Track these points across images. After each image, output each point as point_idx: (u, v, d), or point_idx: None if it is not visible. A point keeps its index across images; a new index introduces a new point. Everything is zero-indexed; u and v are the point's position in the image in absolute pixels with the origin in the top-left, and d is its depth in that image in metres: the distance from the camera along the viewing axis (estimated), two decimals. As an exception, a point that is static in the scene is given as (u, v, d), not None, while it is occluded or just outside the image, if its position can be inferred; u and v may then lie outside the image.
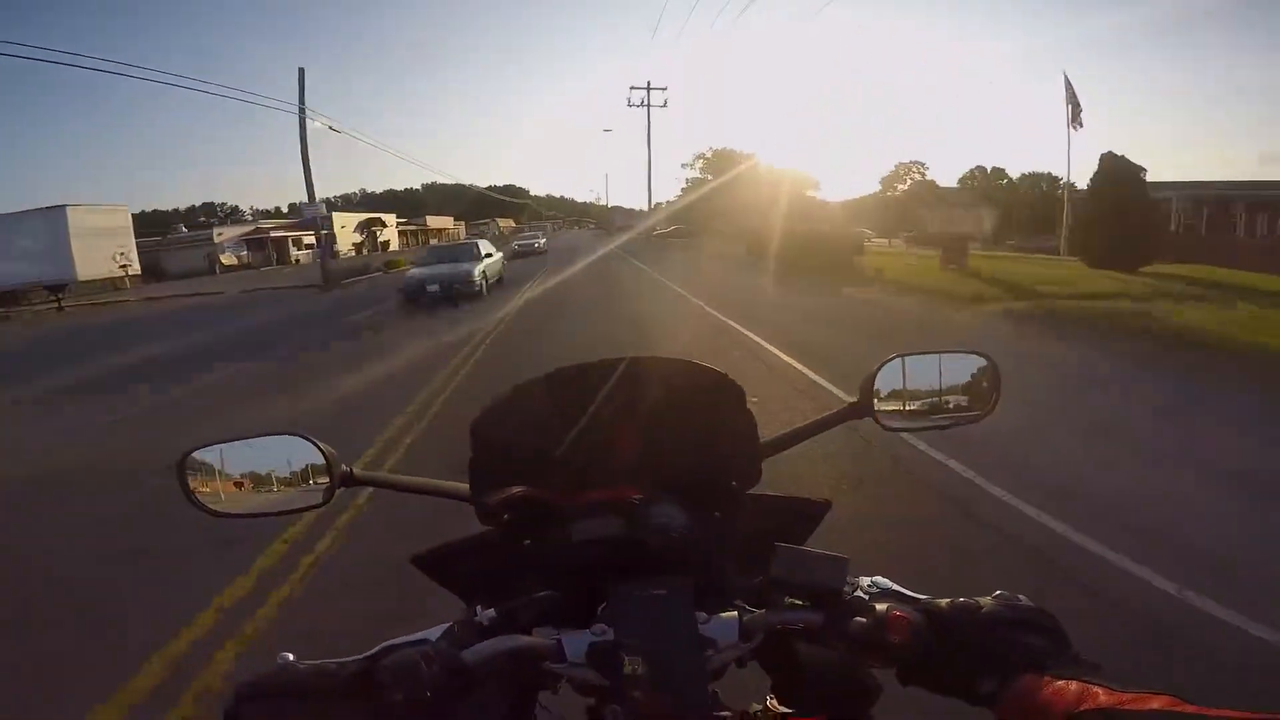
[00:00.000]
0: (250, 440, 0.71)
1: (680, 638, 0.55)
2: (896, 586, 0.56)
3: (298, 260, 46.57)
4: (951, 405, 0.77)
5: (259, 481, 0.71)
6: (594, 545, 0.63)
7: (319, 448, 0.69)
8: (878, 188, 66.46)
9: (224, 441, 0.71)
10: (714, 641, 0.56)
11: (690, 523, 0.63)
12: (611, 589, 0.59)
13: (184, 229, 50.26)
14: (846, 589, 0.54)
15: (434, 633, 0.55)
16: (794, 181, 53.90)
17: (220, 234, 41.99)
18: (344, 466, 0.70)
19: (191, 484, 0.70)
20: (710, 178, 48.78)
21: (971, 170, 73.09)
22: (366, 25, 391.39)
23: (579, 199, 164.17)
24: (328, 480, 0.69)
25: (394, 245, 64.26)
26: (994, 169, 71.94)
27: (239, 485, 0.71)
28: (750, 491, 0.72)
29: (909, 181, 66.43)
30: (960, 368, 0.78)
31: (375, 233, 61.21)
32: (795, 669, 0.59)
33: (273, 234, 44.74)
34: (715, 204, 39.95)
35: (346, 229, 55.95)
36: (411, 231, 72.74)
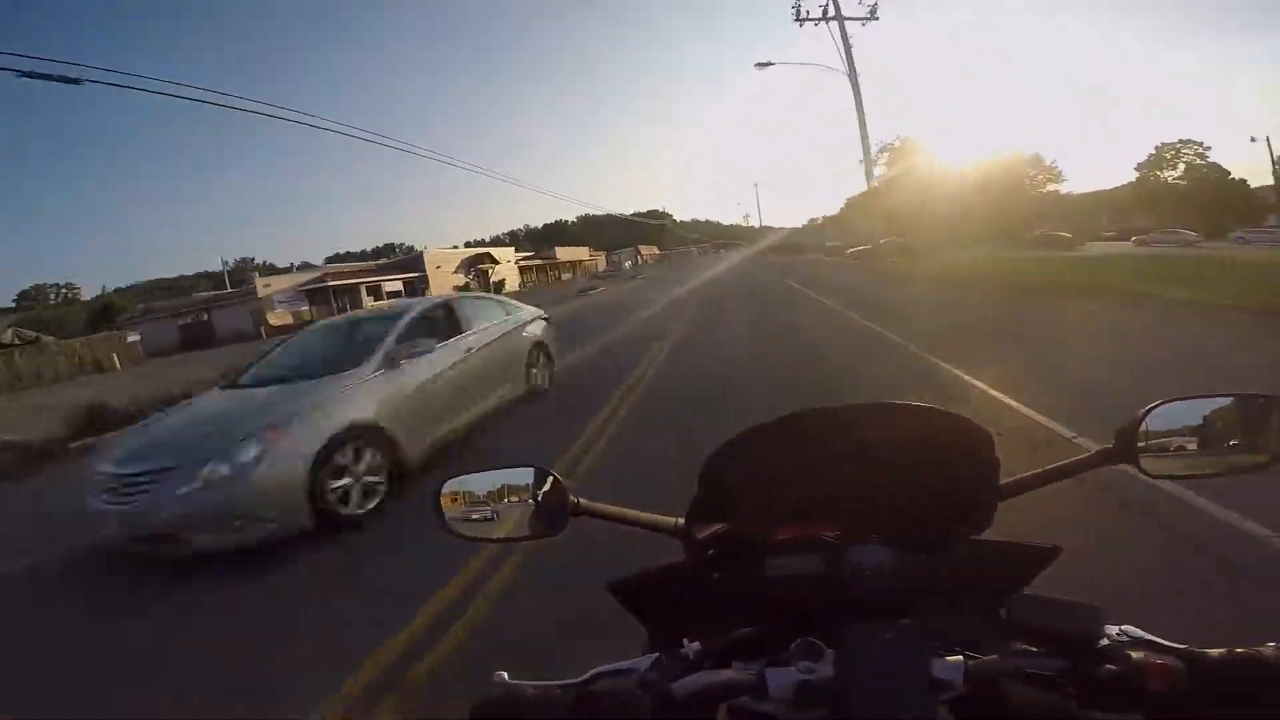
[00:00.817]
0: (495, 472, 0.80)
1: (912, 681, 0.53)
2: (1149, 635, 0.55)
3: (372, 311, 38.15)
4: (1226, 450, 0.71)
5: (502, 509, 0.79)
6: (787, 581, 0.64)
7: (556, 479, 0.77)
8: (1133, 176, 45.54)
9: (473, 473, 0.80)
10: (948, 683, 0.54)
11: (894, 563, 0.64)
12: (819, 627, 0.58)
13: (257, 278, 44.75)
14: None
15: (641, 663, 0.59)
16: (1038, 172, 38.09)
17: (267, 284, 34.23)
18: (573, 498, 0.77)
19: (445, 512, 0.80)
20: (887, 171, 34.11)
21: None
22: (529, 66, 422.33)
23: (725, 221, 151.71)
24: (560, 510, 0.76)
25: (511, 285, 55.09)
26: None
27: (484, 514, 0.80)
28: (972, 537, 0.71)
29: (1180, 167, 43.89)
30: (1238, 411, 0.72)
31: (486, 271, 52.35)
32: (1009, 715, 0.56)
33: (331, 282, 36.15)
34: (928, 208, 30.48)
35: (443, 270, 47.34)
36: (539, 266, 63.69)
